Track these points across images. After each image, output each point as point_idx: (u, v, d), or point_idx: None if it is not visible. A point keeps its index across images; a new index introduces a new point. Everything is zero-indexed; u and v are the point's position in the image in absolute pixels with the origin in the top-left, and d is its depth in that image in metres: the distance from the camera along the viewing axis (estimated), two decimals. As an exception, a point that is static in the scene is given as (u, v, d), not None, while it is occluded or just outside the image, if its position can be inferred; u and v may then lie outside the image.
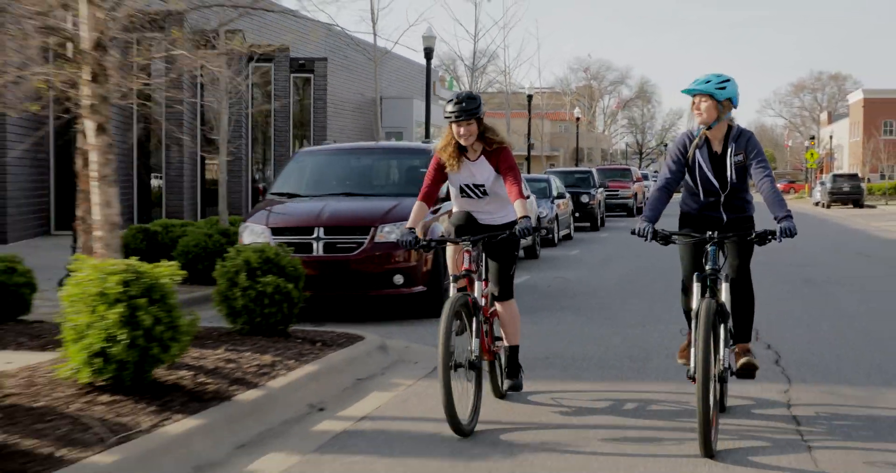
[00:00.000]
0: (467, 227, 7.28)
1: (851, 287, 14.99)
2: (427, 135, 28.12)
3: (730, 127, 6.81)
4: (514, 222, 7.10)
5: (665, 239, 6.57)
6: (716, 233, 6.59)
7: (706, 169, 6.85)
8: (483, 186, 7.19)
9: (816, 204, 59.73)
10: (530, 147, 57.49)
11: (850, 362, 8.93)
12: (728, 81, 6.69)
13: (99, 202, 7.47)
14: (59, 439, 5.32)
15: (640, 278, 16.38)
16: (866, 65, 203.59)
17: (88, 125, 7.50)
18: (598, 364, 8.79)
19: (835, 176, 59.15)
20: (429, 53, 27.02)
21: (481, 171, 7.20)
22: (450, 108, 7.04)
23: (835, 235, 29.40)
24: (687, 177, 6.92)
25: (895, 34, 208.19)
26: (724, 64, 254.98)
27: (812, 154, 75.72)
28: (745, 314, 6.91)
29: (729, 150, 6.77)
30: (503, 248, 7.22)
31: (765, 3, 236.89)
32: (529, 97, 48.63)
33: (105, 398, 6.11)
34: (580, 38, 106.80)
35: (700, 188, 6.90)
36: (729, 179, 6.81)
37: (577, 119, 65.45)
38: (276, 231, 11.58)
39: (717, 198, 6.92)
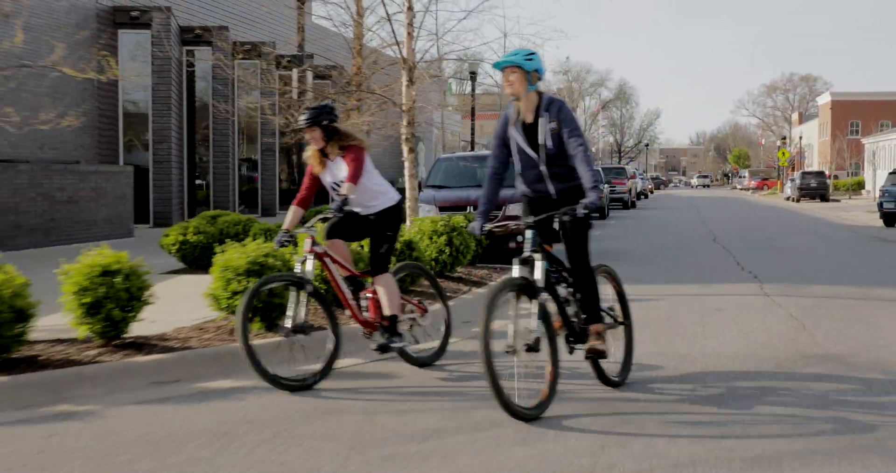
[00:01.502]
0: (346, 218, 8.43)
1: (803, 251, 22.51)
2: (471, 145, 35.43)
3: (540, 97, 7.15)
4: (386, 209, 8.51)
5: (490, 234, 7.40)
6: (531, 219, 7.12)
7: (521, 141, 7.21)
8: (342, 182, 8.25)
9: (787, 199, 67.51)
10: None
11: (797, 276, 16.44)
12: (534, 53, 7.17)
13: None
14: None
15: (652, 247, 23.91)
16: (836, 67, 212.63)
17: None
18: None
19: (803, 173, 67.11)
20: (473, 76, 34.39)
21: (339, 169, 8.26)
22: (300, 118, 8.40)
23: (799, 222, 37.01)
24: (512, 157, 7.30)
25: (863, 37, 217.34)
26: (699, 66, 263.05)
27: (784, 153, 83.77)
28: (587, 299, 7.30)
29: (541, 119, 7.08)
30: (373, 229, 8.50)
31: (738, 6, 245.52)
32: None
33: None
34: (560, 41, 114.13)
35: (520, 163, 7.28)
36: (545, 145, 7.09)
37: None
38: (441, 208, 18.88)
39: (537, 169, 7.22)
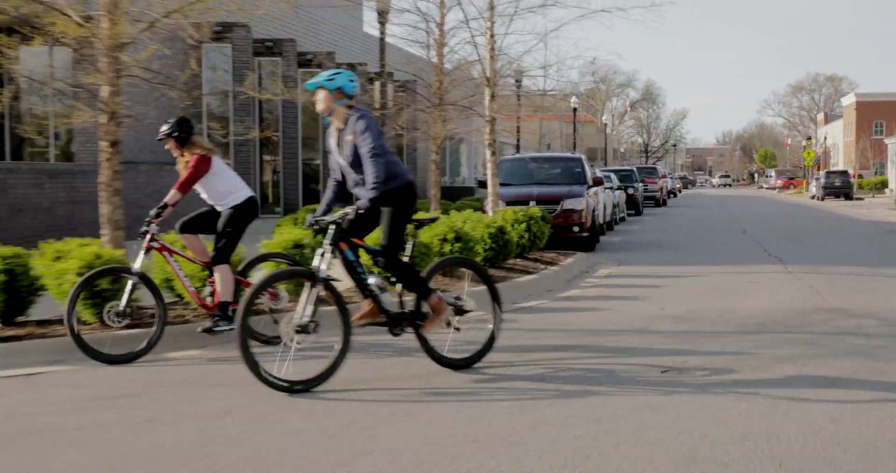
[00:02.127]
0: (205, 214, 9.87)
1: (824, 241, 25.54)
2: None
3: (349, 112, 7.99)
4: (234, 206, 9.66)
5: (315, 226, 8.03)
6: (327, 217, 7.95)
7: (334, 152, 8.12)
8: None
9: (812, 197, 70.37)
10: (548, 147, 67.89)
11: (817, 260, 19.50)
12: (338, 73, 8.00)
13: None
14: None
15: (689, 238, 27.00)
16: (861, 67, 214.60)
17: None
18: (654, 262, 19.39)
19: (828, 173, 70.02)
20: (518, 84, 37.45)
21: None
22: (160, 130, 9.70)
23: (822, 218, 39.96)
24: None
25: (888, 37, 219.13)
26: (725, 66, 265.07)
27: (809, 153, 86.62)
28: (403, 281, 8.24)
29: (344, 131, 7.99)
30: (220, 224, 9.67)
31: (764, 7, 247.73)
32: (575, 110, 58.85)
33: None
34: (588, 43, 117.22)
35: (338, 170, 8.20)
36: (347, 158, 8.00)
37: (605, 124, 75.89)
38: (508, 203, 22.03)
39: (352, 176, 8.10)
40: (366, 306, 8.20)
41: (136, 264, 9.53)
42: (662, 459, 5.76)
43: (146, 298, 9.92)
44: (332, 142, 8.20)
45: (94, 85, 11.75)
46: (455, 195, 36.88)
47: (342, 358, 7.83)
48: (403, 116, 20.40)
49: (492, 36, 17.40)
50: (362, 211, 7.94)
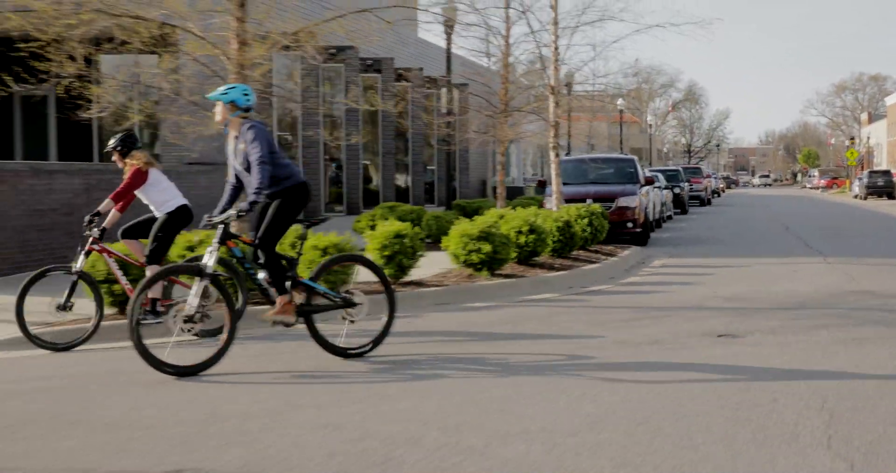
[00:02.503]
0: (147, 220, 10.88)
1: (864, 237, 27.21)
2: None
3: (242, 123, 8.85)
4: (167, 213, 10.61)
5: (208, 226, 8.94)
6: (214, 219, 8.79)
7: (231, 158, 8.98)
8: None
9: (855, 197, 71.60)
10: (591, 148, 69.63)
11: (855, 253, 21.23)
12: (232, 88, 8.98)
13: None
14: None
15: (734, 234, 28.77)
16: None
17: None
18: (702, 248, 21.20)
19: (870, 172, 71.24)
20: (569, 88, 39.34)
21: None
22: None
23: (864, 216, 41.50)
24: None
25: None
26: (767, 66, 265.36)
27: (852, 153, 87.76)
28: (271, 275, 8.87)
29: (237, 140, 8.83)
30: (155, 227, 10.66)
31: (809, 5, 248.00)
32: (622, 112, 60.56)
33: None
34: (630, 43, 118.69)
35: (233, 174, 9.05)
36: (241, 164, 8.84)
37: (651, 125, 77.49)
38: (567, 200, 23.88)
39: (245, 179, 8.88)
40: (281, 302, 8.96)
41: (78, 265, 10.62)
42: (727, 387, 7.64)
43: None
44: (229, 149, 9.09)
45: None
46: (512, 194, 38.74)
47: (227, 347, 8.64)
48: (473, 121, 22.28)
49: (556, 48, 19.29)
50: (243, 213, 8.74)
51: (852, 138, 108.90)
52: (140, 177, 10.73)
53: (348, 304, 9.30)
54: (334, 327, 9.46)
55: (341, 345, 9.24)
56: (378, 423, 6.74)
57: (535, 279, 14.92)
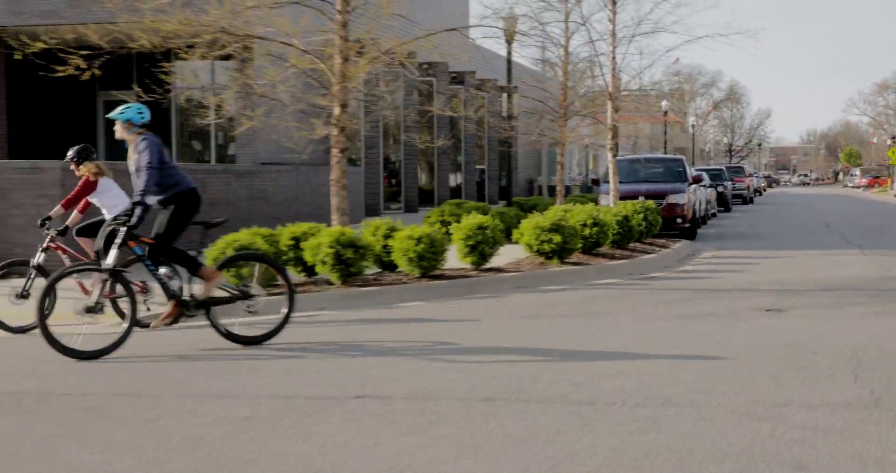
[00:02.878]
0: (100, 222, 11.75)
1: (900, 231, 28.92)
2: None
3: (137, 138, 9.91)
4: (117, 214, 10.61)
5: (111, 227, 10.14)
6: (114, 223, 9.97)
7: (132, 170, 9.98)
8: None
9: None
10: (633, 147, 71.20)
11: (892, 247, 22.93)
12: (128, 108, 10.02)
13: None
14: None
15: (778, 230, 30.51)
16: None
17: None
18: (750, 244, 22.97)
19: (911, 171, 72.45)
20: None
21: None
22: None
23: (903, 213, 43.11)
24: None
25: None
26: (809, 65, 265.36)
27: (894, 152, 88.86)
28: (177, 262, 10.03)
29: (133, 152, 9.95)
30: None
31: (849, 4, 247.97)
32: (666, 112, 62.22)
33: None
34: (682, 52, 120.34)
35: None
36: (135, 171, 9.88)
37: (693, 126, 79.06)
38: (620, 197, 25.75)
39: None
40: (169, 308, 9.99)
41: (35, 260, 11.80)
42: (776, 343, 9.51)
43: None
44: (130, 163, 10.12)
45: (325, 106, 15.72)
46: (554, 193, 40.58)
47: (128, 334, 9.60)
48: (524, 123, 24.13)
49: (613, 58, 21.16)
50: (122, 219, 9.79)
51: (894, 137, 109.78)
52: (89, 186, 11.96)
53: (245, 296, 10.23)
54: (233, 319, 10.37)
55: (238, 333, 10.20)
56: (509, 366, 8.69)
57: (599, 267, 16.82)
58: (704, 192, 34.11)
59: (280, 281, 10.61)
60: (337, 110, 15.39)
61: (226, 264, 10.70)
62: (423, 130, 37.91)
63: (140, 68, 30.20)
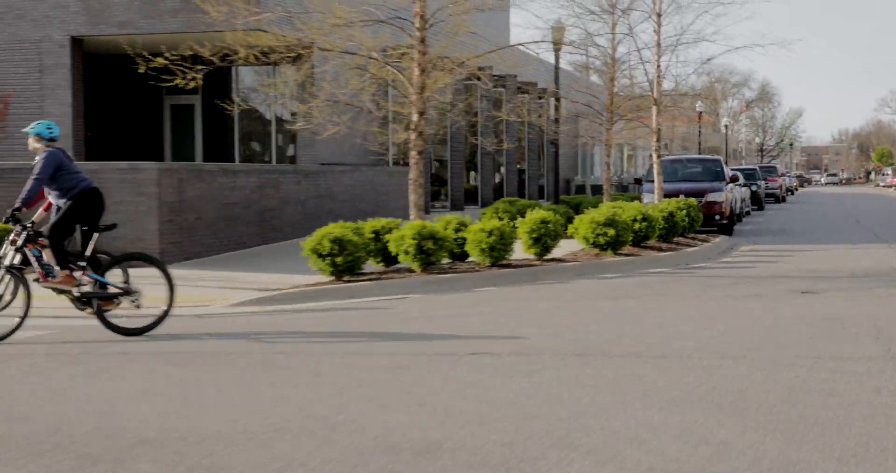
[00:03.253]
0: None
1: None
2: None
3: (43, 151, 11.10)
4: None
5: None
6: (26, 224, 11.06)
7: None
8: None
9: (927, 195, 74.28)
10: (665, 147, 72.64)
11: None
12: (39, 123, 11.31)
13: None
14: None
15: (810, 227, 32.26)
16: None
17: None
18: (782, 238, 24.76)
19: (942, 170, 73.87)
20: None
21: None
22: None
23: (932, 211, 44.71)
24: None
25: None
26: (841, 65, 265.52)
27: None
28: (55, 254, 11.11)
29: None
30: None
31: (880, 3, 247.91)
32: (700, 114, 63.95)
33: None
34: (710, 52, 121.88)
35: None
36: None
37: (727, 127, 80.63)
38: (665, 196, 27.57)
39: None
40: (59, 276, 11.12)
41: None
42: (810, 316, 11.36)
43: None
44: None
45: (405, 113, 17.66)
46: (594, 192, 42.44)
47: (22, 322, 10.81)
48: (576, 127, 25.99)
49: (658, 65, 23.02)
50: (6, 221, 11.07)
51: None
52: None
53: (128, 292, 11.32)
54: (120, 312, 11.52)
55: (122, 325, 11.25)
56: (589, 333, 10.61)
57: (649, 258, 18.69)
58: (739, 190, 35.87)
59: (160, 276, 11.54)
60: (415, 117, 17.29)
61: (113, 264, 11.51)
62: (469, 133, 39.88)
63: (205, 74, 32.46)
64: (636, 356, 9.21)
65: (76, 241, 11.76)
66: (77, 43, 28.79)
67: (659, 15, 22.72)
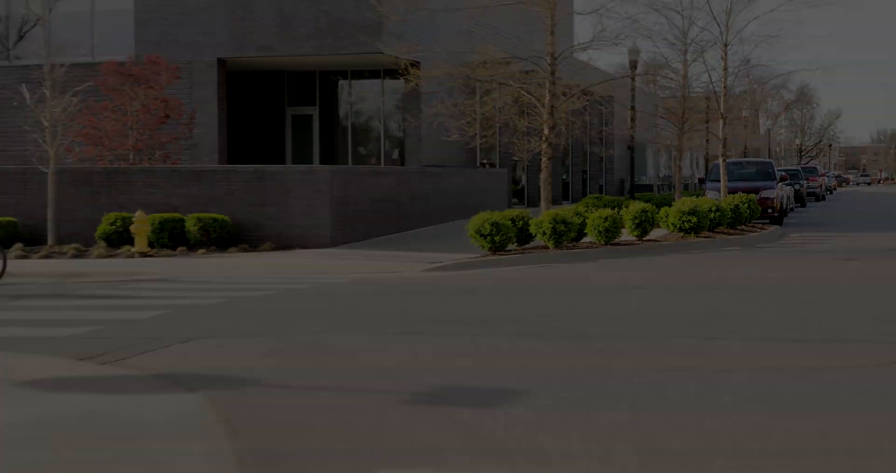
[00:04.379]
0: None
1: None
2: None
3: None
4: None
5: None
6: None
7: None
8: None
9: (960, 194, 79.12)
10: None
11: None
12: None
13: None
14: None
15: (848, 219, 37.62)
16: None
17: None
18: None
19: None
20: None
21: None
22: None
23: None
24: None
25: None
26: (880, 65, 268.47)
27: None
28: None
29: None
30: None
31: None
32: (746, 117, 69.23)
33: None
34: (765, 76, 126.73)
35: None
36: None
37: (769, 129, 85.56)
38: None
39: None
40: None
41: None
42: (851, 272, 16.88)
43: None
44: None
45: (537, 127, 23.27)
46: (641, 190, 47.78)
47: None
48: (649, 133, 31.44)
49: (725, 86, 28.55)
50: None
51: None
52: None
53: None
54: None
55: None
56: (696, 280, 16.22)
57: (722, 239, 24.21)
58: (786, 189, 41.29)
59: None
60: (546, 131, 22.90)
61: None
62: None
63: (322, 88, 38.21)
64: (734, 289, 14.83)
65: None
66: (222, 63, 34.47)
67: (726, 45, 28.23)
